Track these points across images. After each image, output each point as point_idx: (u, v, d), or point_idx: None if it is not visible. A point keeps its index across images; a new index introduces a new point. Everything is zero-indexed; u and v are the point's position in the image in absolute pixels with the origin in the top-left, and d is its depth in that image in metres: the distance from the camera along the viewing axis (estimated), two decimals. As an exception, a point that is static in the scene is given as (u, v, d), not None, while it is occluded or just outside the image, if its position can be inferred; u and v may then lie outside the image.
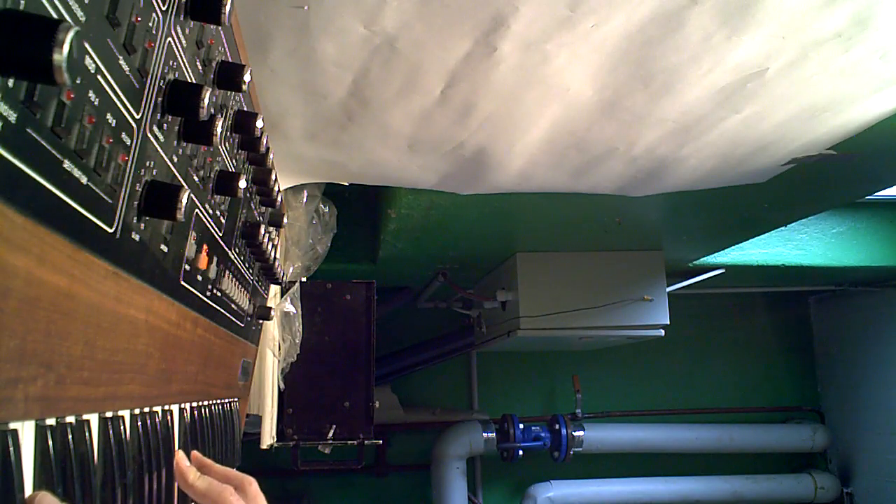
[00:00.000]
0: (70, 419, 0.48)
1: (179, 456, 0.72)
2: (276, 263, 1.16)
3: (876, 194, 1.77)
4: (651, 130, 1.24)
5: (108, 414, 0.55)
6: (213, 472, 0.74)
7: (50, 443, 0.44)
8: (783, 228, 2.23)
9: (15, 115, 0.35)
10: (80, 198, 0.44)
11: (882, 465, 2.97)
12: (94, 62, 0.43)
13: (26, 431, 0.42)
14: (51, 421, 0.45)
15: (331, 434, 1.67)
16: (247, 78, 0.70)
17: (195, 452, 0.76)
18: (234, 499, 0.65)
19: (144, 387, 0.63)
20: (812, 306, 3.43)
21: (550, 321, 2.16)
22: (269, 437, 1.55)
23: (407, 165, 1.37)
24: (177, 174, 0.62)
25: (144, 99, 0.52)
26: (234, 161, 0.84)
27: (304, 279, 1.66)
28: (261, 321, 1.30)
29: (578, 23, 0.92)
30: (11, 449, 0.39)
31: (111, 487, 0.53)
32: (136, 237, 0.54)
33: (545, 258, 2.22)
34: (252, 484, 0.71)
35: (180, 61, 0.60)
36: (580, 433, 2.84)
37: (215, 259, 0.81)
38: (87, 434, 0.50)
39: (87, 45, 0.42)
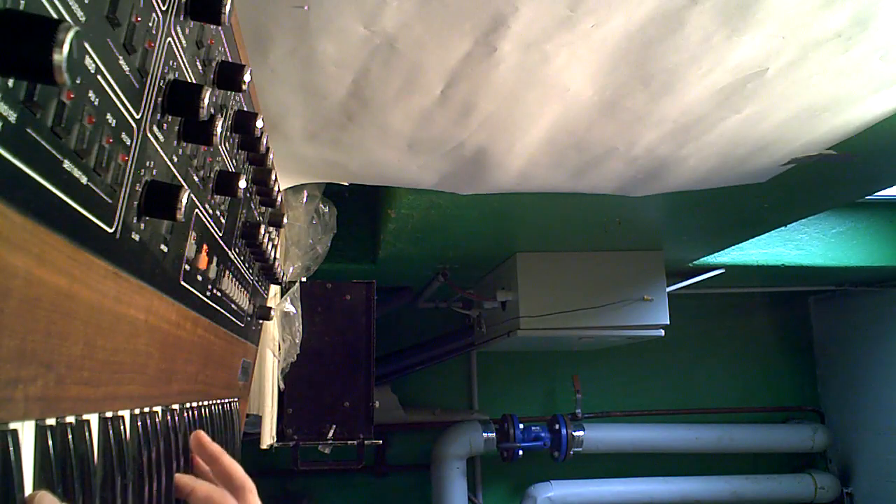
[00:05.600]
0: (70, 419, 0.48)
1: (197, 438, 0.73)
2: (276, 263, 1.16)
3: (876, 194, 1.77)
4: (651, 130, 1.23)
5: (108, 414, 0.55)
6: (218, 464, 0.74)
7: (50, 443, 0.44)
8: (783, 228, 2.23)
9: (15, 115, 0.35)
10: (80, 198, 0.44)
11: (882, 465, 2.97)
12: (94, 62, 0.43)
13: (26, 431, 0.42)
14: (51, 421, 0.45)
15: (331, 434, 1.67)
16: (247, 78, 0.70)
17: (206, 438, 0.76)
18: None
19: (144, 387, 0.63)
20: (812, 306, 3.43)
21: (550, 321, 2.16)
22: (269, 437, 1.55)
23: (407, 165, 1.37)
24: (177, 174, 0.62)
25: (144, 99, 0.52)
26: (234, 161, 0.84)
27: (304, 279, 1.66)
28: (261, 321, 1.30)
29: (578, 23, 0.92)
30: (11, 449, 0.39)
31: (111, 487, 0.53)
32: (136, 237, 0.54)
33: (545, 258, 2.22)
34: (252, 492, 0.71)
35: (180, 61, 0.60)
36: (580, 433, 2.84)
37: (215, 259, 0.81)
38: (87, 434, 0.50)
39: (87, 45, 0.42)
